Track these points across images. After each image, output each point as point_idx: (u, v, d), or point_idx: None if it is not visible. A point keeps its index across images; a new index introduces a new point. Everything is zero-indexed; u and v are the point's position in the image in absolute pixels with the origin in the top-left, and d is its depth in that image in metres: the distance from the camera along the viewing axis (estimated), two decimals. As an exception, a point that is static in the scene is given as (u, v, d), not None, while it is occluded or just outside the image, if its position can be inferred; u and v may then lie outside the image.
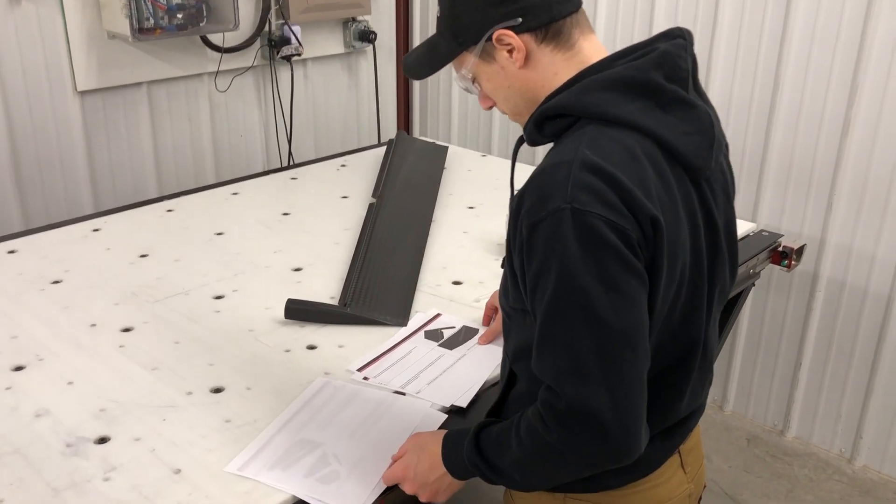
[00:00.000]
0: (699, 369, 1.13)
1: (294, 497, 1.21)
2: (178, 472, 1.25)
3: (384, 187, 2.33)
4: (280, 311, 1.69)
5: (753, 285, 2.30)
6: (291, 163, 3.17)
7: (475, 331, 1.67)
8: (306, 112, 3.27)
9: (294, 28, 3.01)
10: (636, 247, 0.96)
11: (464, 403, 1.42)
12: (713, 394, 3.03)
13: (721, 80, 2.71)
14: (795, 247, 2.17)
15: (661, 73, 1.02)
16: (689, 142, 1.02)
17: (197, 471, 1.26)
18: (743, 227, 2.12)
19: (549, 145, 1.11)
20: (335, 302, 1.77)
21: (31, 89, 2.51)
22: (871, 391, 2.66)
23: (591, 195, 0.94)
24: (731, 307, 2.19)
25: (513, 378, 1.19)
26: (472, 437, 1.12)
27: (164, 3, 2.51)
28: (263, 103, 3.13)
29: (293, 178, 2.59)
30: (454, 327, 1.69)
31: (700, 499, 1.30)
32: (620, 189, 0.95)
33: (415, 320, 1.71)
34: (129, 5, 2.41)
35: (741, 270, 1.95)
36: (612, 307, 0.95)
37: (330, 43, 3.25)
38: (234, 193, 2.44)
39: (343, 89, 3.39)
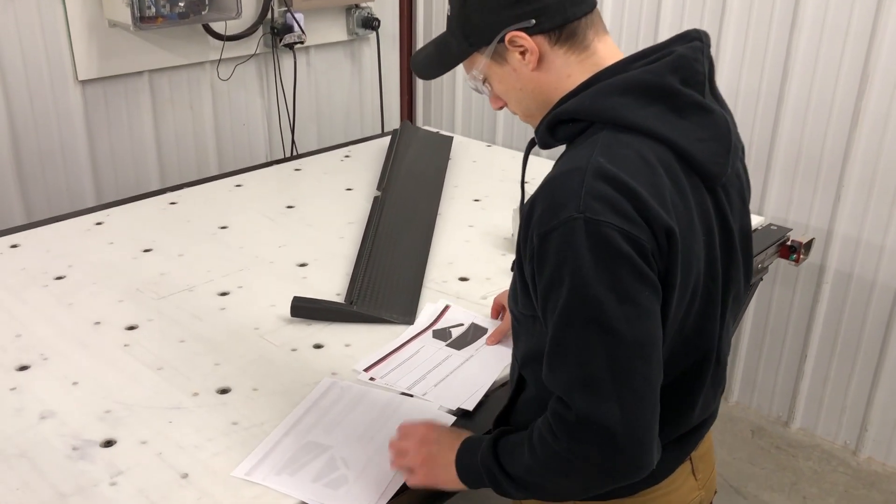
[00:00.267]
0: (712, 377, 1.12)
1: (302, 503, 1.20)
2: (185, 476, 1.25)
3: (389, 180, 2.31)
4: (285, 309, 1.68)
5: (761, 279, 2.28)
6: (295, 152, 3.15)
7: (484, 330, 1.65)
8: (309, 100, 3.24)
9: (297, 15, 2.97)
10: (650, 257, 0.94)
11: (470, 406, 1.41)
12: (718, 385, 3.02)
13: (729, 70, 2.68)
14: (804, 241, 2.15)
15: (677, 77, 1.00)
16: (704, 148, 1.00)
17: (204, 475, 1.25)
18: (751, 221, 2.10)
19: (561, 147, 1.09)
20: (341, 299, 1.76)
21: (32, 79, 2.48)
22: (876, 383, 2.65)
23: (605, 204, 0.92)
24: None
25: (522, 383, 1.18)
26: (490, 441, 1.11)
27: (166, -9, 2.48)
28: (266, 92, 3.10)
29: (297, 170, 2.57)
30: (463, 325, 1.67)
31: (711, 504, 1.29)
32: (635, 198, 0.93)
33: (425, 313, 1.69)
34: (131, -6, 2.38)
35: (750, 266, 1.93)
36: (625, 318, 0.93)
37: (333, 30, 3.21)
38: (238, 185, 2.42)
39: (346, 77, 3.36)
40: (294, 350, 1.58)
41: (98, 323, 1.66)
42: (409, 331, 1.65)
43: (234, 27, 2.84)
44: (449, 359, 1.55)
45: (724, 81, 2.69)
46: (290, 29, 2.98)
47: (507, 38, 1.03)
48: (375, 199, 2.23)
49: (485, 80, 1.12)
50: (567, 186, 0.95)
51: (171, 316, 1.69)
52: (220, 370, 1.51)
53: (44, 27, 2.46)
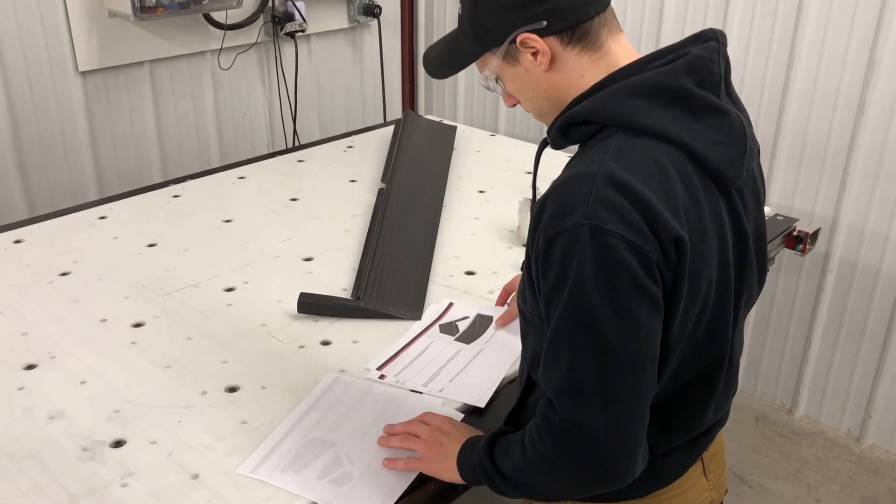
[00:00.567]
0: (724, 380, 1.11)
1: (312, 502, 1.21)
2: (195, 477, 1.24)
3: (393, 172, 2.30)
4: (292, 305, 1.67)
5: (767, 270, 2.27)
6: (296, 141, 3.14)
7: (489, 318, 1.65)
8: (310, 89, 3.22)
9: (298, 3, 2.95)
10: (654, 270, 0.93)
11: (482, 404, 1.41)
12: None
13: (734, 57, 2.61)
14: (810, 231, 2.15)
15: (692, 79, 0.99)
16: (720, 152, 0.99)
17: (215, 476, 1.25)
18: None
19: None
20: (347, 294, 1.75)
21: (32, 70, 2.46)
22: (880, 371, 2.66)
23: (613, 213, 0.91)
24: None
25: (531, 384, 1.18)
26: (488, 439, 1.14)
27: (166, -19, 2.45)
28: (267, 81, 3.08)
29: (300, 161, 2.55)
30: (468, 317, 1.67)
31: None
32: (644, 207, 0.92)
33: (428, 314, 1.69)
34: (131, -16, 2.36)
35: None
36: (618, 329, 0.93)
37: (334, 18, 3.18)
38: (241, 177, 2.40)
39: (347, 65, 3.34)
40: (302, 347, 1.58)
41: (104, 320, 1.66)
42: (416, 326, 1.64)
43: (234, 16, 2.82)
44: (459, 354, 1.55)
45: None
46: (291, 17, 2.95)
47: (518, 39, 1.02)
48: (380, 191, 2.22)
49: (497, 79, 1.11)
50: (577, 192, 0.94)
51: (178, 312, 1.69)
52: (228, 368, 1.51)
53: (43, 18, 2.44)
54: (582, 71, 1.04)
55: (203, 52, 2.84)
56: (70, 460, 1.27)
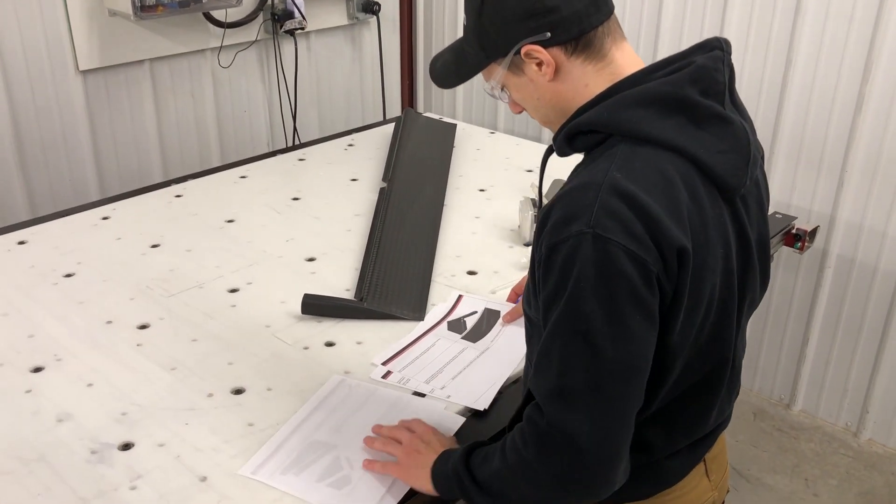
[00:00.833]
0: (728, 384, 1.13)
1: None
2: (203, 479, 1.26)
3: (394, 171, 2.31)
4: (296, 306, 1.69)
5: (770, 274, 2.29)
6: (297, 139, 3.14)
7: (497, 313, 1.67)
8: (310, 86, 3.22)
9: (297, 1, 2.95)
10: (653, 281, 0.94)
11: (483, 406, 1.42)
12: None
13: (732, 55, 2.65)
14: (809, 229, 2.16)
15: (696, 88, 1.00)
16: (724, 161, 1.00)
17: (223, 478, 1.26)
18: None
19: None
20: (350, 294, 1.76)
21: (33, 70, 2.47)
22: (878, 366, 2.68)
23: (616, 222, 0.93)
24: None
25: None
26: (464, 449, 1.14)
27: (166, -20, 2.45)
28: (267, 78, 3.08)
29: (301, 159, 2.56)
30: (476, 312, 1.69)
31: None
32: (648, 218, 0.93)
33: (434, 312, 1.70)
34: (131, -17, 2.36)
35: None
36: (611, 338, 0.94)
37: (333, 15, 3.19)
38: (242, 177, 2.41)
39: (347, 62, 3.34)
40: (306, 348, 1.59)
41: (110, 322, 1.67)
42: (421, 326, 1.65)
43: (234, 14, 2.82)
44: (464, 352, 1.57)
45: (728, 67, 2.67)
46: (290, 15, 2.95)
47: (522, 51, 1.03)
48: (381, 190, 2.22)
49: (503, 87, 1.12)
50: (581, 201, 0.95)
51: (182, 314, 1.70)
52: (234, 370, 1.52)
53: (44, 18, 2.44)
54: (586, 80, 1.05)
55: (203, 51, 2.84)
56: (79, 463, 1.29)
